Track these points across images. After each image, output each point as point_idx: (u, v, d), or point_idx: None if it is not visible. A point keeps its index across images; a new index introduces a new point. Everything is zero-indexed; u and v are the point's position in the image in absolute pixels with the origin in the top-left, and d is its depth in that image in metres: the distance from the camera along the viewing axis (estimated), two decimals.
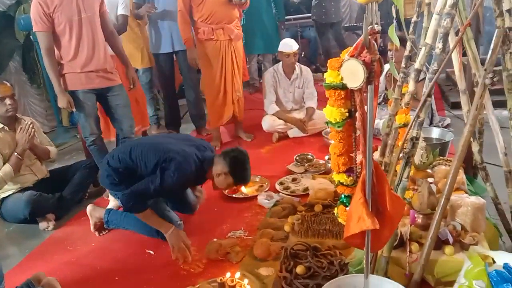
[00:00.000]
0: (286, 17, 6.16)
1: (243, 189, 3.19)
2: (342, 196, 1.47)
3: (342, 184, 1.44)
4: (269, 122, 4.26)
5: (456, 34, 2.01)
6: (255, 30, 4.39)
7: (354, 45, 1.25)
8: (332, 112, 1.32)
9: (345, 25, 6.72)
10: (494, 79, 1.70)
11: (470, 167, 2.85)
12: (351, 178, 1.41)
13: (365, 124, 1.28)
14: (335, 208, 1.53)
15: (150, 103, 4.73)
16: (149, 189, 2.41)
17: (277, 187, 3.18)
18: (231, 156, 2.54)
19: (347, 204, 1.45)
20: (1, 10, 4.87)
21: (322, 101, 4.47)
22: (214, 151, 2.75)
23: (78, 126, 3.47)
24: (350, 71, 1.25)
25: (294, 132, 4.28)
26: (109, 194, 3.04)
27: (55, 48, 3.03)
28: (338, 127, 1.32)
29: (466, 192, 2.51)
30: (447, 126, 3.94)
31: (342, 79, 1.29)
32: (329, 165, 3.33)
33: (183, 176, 2.44)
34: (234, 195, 3.10)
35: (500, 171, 2.19)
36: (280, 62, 4.37)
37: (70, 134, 5.01)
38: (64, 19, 2.95)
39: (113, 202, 3.02)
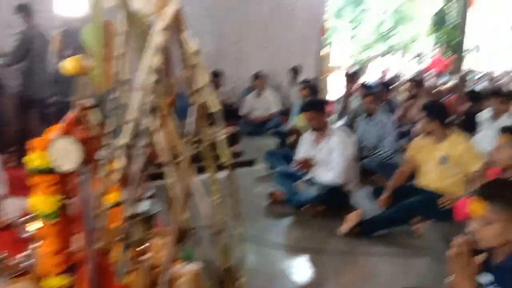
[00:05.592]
0: None
1: None
2: None
3: None
4: None
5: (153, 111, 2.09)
6: None
7: (64, 121, 1.08)
8: (43, 202, 1.07)
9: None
10: (198, 149, 1.82)
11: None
12: (73, 278, 1.17)
13: (87, 211, 1.10)
14: None
15: None
16: None
17: None
18: None
19: None
20: None
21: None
22: None
23: None
24: (61, 152, 1.06)
25: None
26: None
27: None
28: (54, 218, 1.08)
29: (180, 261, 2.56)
30: (151, 197, 4.03)
31: (50, 162, 1.07)
32: (28, 263, 2.80)
33: None
34: None
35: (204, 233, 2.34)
36: None
37: None
38: None
39: None
